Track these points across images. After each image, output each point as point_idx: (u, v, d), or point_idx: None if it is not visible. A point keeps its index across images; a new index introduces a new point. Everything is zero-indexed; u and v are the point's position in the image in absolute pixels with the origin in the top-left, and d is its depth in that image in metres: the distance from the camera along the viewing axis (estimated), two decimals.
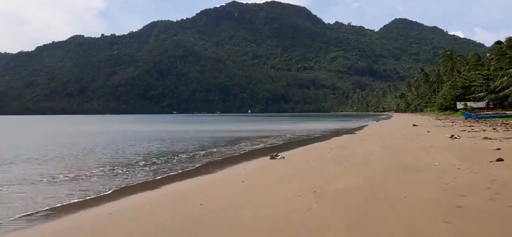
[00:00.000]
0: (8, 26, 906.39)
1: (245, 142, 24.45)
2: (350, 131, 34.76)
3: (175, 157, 16.50)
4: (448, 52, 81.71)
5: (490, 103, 53.61)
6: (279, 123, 62.57)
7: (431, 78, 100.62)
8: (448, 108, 71.76)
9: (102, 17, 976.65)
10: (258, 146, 21.87)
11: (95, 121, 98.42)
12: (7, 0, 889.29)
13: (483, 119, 41.71)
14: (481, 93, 51.55)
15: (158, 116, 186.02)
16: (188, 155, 17.34)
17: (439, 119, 50.11)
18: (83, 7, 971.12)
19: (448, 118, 50.92)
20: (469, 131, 23.86)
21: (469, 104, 56.94)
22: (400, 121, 51.65)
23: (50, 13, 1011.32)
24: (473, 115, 45.67)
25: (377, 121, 63.67)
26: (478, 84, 54.02)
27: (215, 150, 19.64)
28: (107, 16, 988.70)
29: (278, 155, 13.53)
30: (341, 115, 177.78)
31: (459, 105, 61.15)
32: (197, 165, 13.95)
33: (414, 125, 34.73)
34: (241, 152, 18.36)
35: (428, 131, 25.84)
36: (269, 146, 21.78)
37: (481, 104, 55.57)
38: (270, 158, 13.23)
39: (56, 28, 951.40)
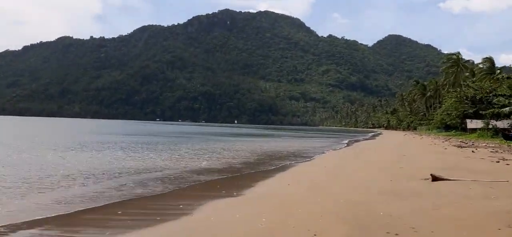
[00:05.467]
0: (1, 26, 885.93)
1: None
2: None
3: None
4: (454, 56, 69.23)
5: None
6: (217, 142, 39.46)
7: (429, 92, 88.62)
8: (450, 127, 59.83)
9: (98, 21, 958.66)
10: None
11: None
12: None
13: None
14: (506, 108, 37.06)
15: (130, 123, 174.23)
16: None
17: (460, 146, 29.38)
18: (80, 9, 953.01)
19: (472, 142, 33.23)
20: None
21: (491, 122, 43.20)
22: (390, 147, 33.10)
23: (46, 15, 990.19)
24: None
25: (349, 143, 43.49)
26: (508, 95, 38.42)
27: None
28: (104, 20, 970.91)
29: None
30: (323, 130, 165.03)
31: (470, 124, 48.56)
32: None
33: (434, 180, 11.34)
34: None
35: None
36: None
37: (501, 124, 42.09)
38: None
39: (50, 29, 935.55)
